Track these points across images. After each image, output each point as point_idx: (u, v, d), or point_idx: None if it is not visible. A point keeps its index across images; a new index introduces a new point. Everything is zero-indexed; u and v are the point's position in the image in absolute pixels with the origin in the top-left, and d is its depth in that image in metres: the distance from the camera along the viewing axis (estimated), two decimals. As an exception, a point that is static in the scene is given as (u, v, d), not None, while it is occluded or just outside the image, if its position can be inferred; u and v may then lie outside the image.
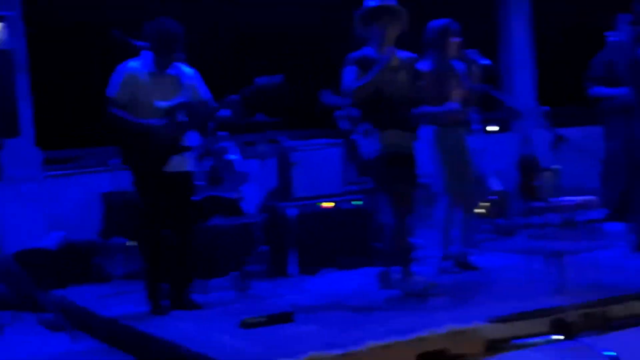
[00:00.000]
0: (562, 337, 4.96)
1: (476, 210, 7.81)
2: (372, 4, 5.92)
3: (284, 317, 5.29)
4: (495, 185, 8.15)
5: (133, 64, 5.75)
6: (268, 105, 6.03)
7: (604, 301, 5.33)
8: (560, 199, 5.45)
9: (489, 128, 8.79)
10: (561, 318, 4.98)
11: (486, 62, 6.50)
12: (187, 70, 5.86)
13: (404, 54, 6.02)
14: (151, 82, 5.72)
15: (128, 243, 6.83)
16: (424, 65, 6.39)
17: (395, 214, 5.90)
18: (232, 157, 6.78)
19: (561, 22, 9.79)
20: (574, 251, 6.04)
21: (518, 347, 4.96)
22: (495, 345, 4.94)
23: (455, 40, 6.45)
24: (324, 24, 8.65)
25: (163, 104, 5.68)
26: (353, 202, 7.05)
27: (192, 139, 5.90)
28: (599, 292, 5.50)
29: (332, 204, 6.97)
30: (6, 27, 6.23)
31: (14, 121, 5.88)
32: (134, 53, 5.80)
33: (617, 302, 5.34)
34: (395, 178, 5.90)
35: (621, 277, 5.91)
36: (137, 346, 5.34)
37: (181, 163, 5.78)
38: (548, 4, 9.71)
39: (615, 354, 4.61)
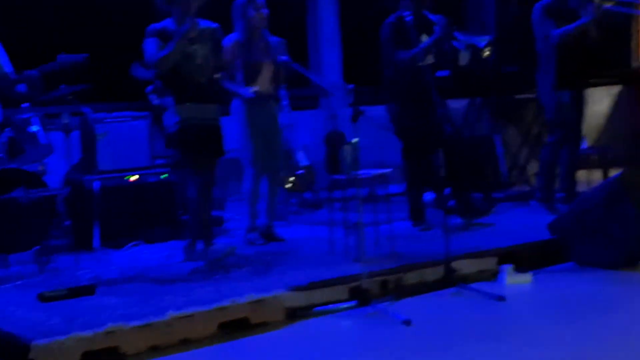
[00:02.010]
0: (359, 304, 5.08)
1: (284, 184, 7.97)
2: None
3: (85, 290, 5.18)
4: (303, 160, 8.25)
5: None
6: (69, 81, 5.86)
7: (398, 269, 5.52)
8: (361, 172, 5.55)
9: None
10: (359, 285, 5.09)
11: (285, 58, 6.55)
12: None
13: (206, 24, 5.98)
14: None
15: None
16: (232, 37, 6.40)
17: (198, 186, 5.88)
18: (35, 129, 6.52)
19: (367, 3, 9.99)
20: (372, 223, 6.14)
21: (318, 314, 5.07)
22: (295, 313, 5.03)
23: (262, 12, 6.47)
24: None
25: None
26: (160, 176, 6.97)
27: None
28: (394, 261, 5.69)
29: (137, 177, 6.86)
30: None
31: None
32: None
33: (410, 269, 5.55)
34: (196, 149, 5.87)
35: (415, 247, 6.13)
36: None
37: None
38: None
39: (408, 318, 4.79)
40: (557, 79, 7.14)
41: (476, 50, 7.42)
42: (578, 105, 7.29)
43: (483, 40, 7.12)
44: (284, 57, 6.53)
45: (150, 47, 5.82)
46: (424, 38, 6.67)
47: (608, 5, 6.97)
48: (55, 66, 5.51)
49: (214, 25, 6.04)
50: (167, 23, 5.89)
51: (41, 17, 8.46)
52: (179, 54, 5.75)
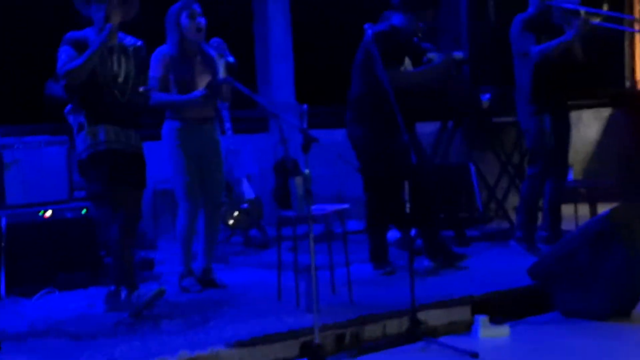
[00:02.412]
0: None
1: (225, 220, 7.93)
2: None
3: (-12, 347, 5.12)
4: (248, 192, 8.23)
5: None
6: None
7: (356, 321, 5.52)
8: (316, 207, 5.55)
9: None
10: (310, 340, 5.06)
11: (230, 59, 6.54)
12: None
13: (130, 40, 6.00)
14: None
15: None
16: (163, 50, 6.38)
17: (120, 223, 5.81)
18: None
19: (320, 12, 10.05)
20: (328, 266, 6.16)
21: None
22: (234, 373, 5.04)
23: (199, 21, 6.45)
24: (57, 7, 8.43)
25: None
26: (81, 211, 6.92)
27: None
28: (351, 311, 5.68)
29: (51, 213, 6.80)
30: None
31: None
32: None
33: (370, 321, 5.54)
34: (115, 180, 5.81)
35: (377, 294, 6.14)
36: None
37: None
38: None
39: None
40: (538, 102, 7.22)
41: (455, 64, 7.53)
42: (562, 132, 7.37)
43: (457, 56, 7.18)
44: (231, 58, 6.52)
45: (63, 55, 5.80)
46: (407, 62, 6.72)
47: (596, 20, 7.08)
48: None
49: (139, 42, 6.05)
50: (88, 33, 5.86)
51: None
52: (92, 66, 5.71)
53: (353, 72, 6.90)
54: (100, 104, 5.81)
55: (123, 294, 5.84)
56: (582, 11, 7.07)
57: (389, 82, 5.95)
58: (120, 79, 5.86)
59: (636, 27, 10.74)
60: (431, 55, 6.81)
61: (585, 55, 7.22)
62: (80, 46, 5.78)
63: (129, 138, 5.89)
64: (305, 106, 8.87)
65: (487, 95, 8.35)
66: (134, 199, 5.95)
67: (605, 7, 7.14)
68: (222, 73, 6.50)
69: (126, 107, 5.88)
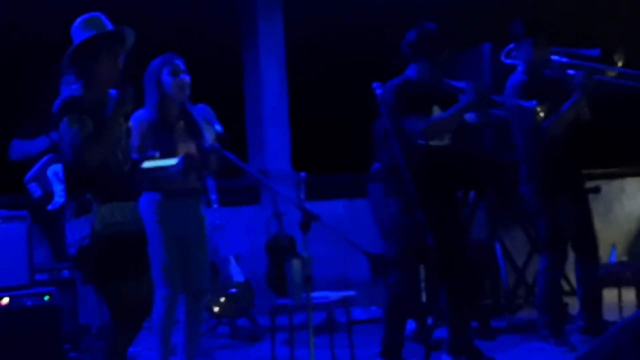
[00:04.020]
0: None
1: (209, 308, 7.91)
2: (84, 35, 5.70)
3: None
4: (237, 274, 8.26)
5: None
6: None
7: None
8: (316, 294, 5.53)
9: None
10: None
11: (219, 128, 6.53)
12: None
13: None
14: None
15: None
16: (141, 114, 6.37)
17: (118, 317, 5.65)
18: None
19: (320, 69, 10.16)
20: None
21: None
22: None
23: (182, 79, 6.47)
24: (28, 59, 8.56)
25: None
26: (43, 297, 6.88)
27: None
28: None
29: (8, 300, 6.75)
30: None
31: None
32: None
33: None
34: (119, 268, 5.69)
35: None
36: None
37: None
38: (308, 45, 10.06)
39: None
40: (547, 183, 7.24)
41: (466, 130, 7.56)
42: (581, 211, 7.38)
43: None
44: (219, 127, 6.53)
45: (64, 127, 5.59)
46: (437, 110, 6.72)
47: (608, 76, 7.06)
48: None
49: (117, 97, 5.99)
50: (73, 91, 5.69)
51: None
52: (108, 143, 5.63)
53: (375, 139, 6.91)
54: (109, 180, 5.68)
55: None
56: (588, 68, 7.09)
57: (418, 139, 6.03)
58: (123, 145, 5.75)
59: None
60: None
61: (598, 116, 7.20)
62: (73, 108, 5.60)
63: (131, 214, 5.78)
64: (302, 174, 8.88)
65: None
66: (140, 286, 5.73)
67: (619, 60, 7.09)
68: (209, 139, 6.50)
69: (127, 179, 5.81)
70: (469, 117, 6.86)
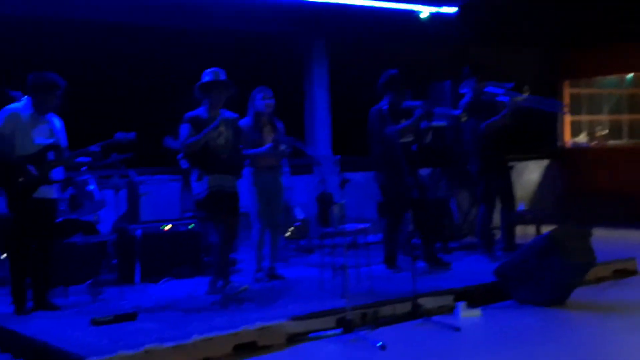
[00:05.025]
0: (344, 331, 5.06)
1: (284, 233, 7.95)
2: (207, 79, 5.88)
3: (129, 316, 5.15)
4: (300, 214, 8.22)
5: (16, 105, 5.52)
6: (119, 151, 5.92)
7: (375, 304, 5.50)
8: (346, 225, 5.56)
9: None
10: (343, 316, 5.08)
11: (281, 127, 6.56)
12: (56, 119, 5.67)
13: (228, 114, 6.00)
14: (31, 122, 5.48)
15: (0, 255, 6.44)
16: (245, 121, 6.43)
17: (220, 237, 5.82)
18: (91, 187, 6.55)
19: (352, 94, 10.10)
20: (355, 265, 6.13)
21: (312, 338, 5.04)
22: (294, 338, 5.01)
23: (269, 102, 6.53)
24: (174, 85, 8.54)
25: (42, 141, 5.48)
26: (188, 226, 6.94)
27: (57, 172, 5.66)
28: (371, 297, 5.67)
29: (170, 227, 6.83)
30: None
31: None
32: (14, 99, 5.58)
33: (384, 304, 5.52)
34: (220, 211, 5.81)
35: (389, 286, 6.09)
36: (4, 339, 5.03)
37: (47, 192, 5.54)
38: (343, 79, 10.00)
39: (383, 343, 4.78)
40: (484, 161, 7.11)
41: (437, 130, 7.50)
42: (505, 178, 7.25)
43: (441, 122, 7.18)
44: (290, 138, 6.56)
45: (184, 131, 5.81)
46: (402, 121, 6.70)
47: (520, 101, 6.98)
48: (112, 142, 5.61)
49: (235, 115, 6.06)
50: (200, 111, 5.88)
51: (98, 99, 8.51)
52: (203, 142, 5.75)
53: (370, 140, 6.87)
54: (210, 162, 5.78)
55: (219, 284, 5.84)
56: (512, 95, 7.00)
57: (394, 139, 6.02)
58: (222, 142, 5.82)
59: (565, 110, 10.74)
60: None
61: (514, 123, 7.03)
62: (195, 122, 5.78)
63: (229, 182, 5.86)
64: (338, 156, 8.88)
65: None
66: (231, 222, 5.87)
67: (526, 91, 7.00)
68: (282, 136, 6.53)
69: (227, 160, 5.87)
70: (439, 122, 6.83)
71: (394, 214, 6.83)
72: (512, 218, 7.33)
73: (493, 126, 7.03)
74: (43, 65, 5.71)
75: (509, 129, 7.12)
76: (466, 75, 7.23)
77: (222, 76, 5.89)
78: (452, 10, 9.74)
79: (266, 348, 4.82)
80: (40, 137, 5.49)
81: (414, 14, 9.62)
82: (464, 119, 6.88)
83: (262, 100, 6.50)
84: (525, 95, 6.96)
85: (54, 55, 7.51)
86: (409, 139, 6.63)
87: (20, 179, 5.37)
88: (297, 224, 8.12)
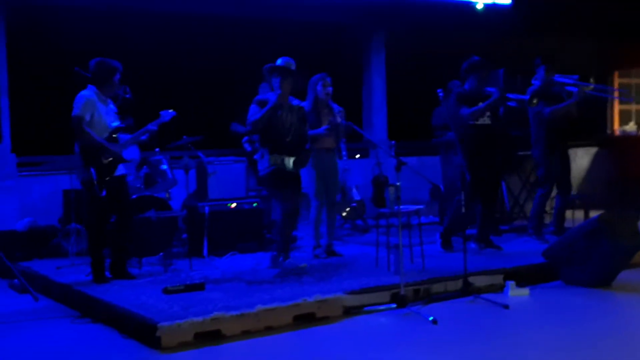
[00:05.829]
0: (398, 306, 5.07)
1: (341, 213, 7.97)
2: (277, 63, 5.95)
3: (197, 286, 5.25)
4: (356, 195, 8.21)
5: (85, 92, 5.58)
6: (190, 133, 5.98)
7: (427, 281, 5.49)
8: (401, 206, 5.54)
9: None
10: (397, 292, 5.08)
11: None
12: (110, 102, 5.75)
13: (295, 102, 6.04)
14: (103, 107, 5.61)
15: (81, 228, 6.65)
16: (304, 105, 6.43)
17: (282, 214, 5.88)
18: (164, 167, 6.68)
19: (407, 82, 10.03)
20: (408, 245, 6.11)
21: (367, 312, 5.05)
22: (350, 310, 5.04)
23: (328, 89, 6.52)
24: (240, 73, 8.61)
25: (114, 124, 5.61)
26: (252, 204, 7.01)
27: (133, 152, 5.79)
28: (424, 274, 5.66)
29: (235, 205, 6.90)
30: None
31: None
32: (83, 84, 5.66)
33: (436, 282, 5.51)
34: (282, 187, 5.89)
35: (440, 264, 6.06)
36: (85, 305, 5.22)
37: (122, 169, 5.69)
38: (399, 68, 9.95)
39: (435, 318, 4.77)
40: (547, 146, 7.02)
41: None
42: (564, 164, 7.14)
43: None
44: (342, 121, 6.55)
45: (252, 111, 5.90)
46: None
47: (589, 90, 6.90)
48: (161, 120, 5.71)
49: (301, 103, 6.10)
50: (270, 95, 5.94)
51: (172, 87, 8.65)
52: (267, 119, 5.79)
53: (447, 121, 6.71)
54: (275, 142, 5.85)
55: (281, 258, 5.91)
56: (580, 85, 6.90)
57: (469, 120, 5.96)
58: (287, 125, 5.88)
59: (615, 94, 10.44)
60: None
61: (579, 113, 7.00)
62: (262, 104, 5.86)
63: (290, 163, 5.89)
64: (393, 142, 8.88)
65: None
66: (293, 199, 5.92)
67: (592, 81, 6.88)
68: (341, 119, 6.52)
69: (290, 143, 5.91)
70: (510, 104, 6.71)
71: (485, 194, 6.65)
72: (567, 202, 7.20)
73: (557, 113, 6.93)
74: (119, 57, 5.77)
75: (572, 117, 7.00)
76: (537, 65, 7.11)
77: (293, 67, 5.94)
78: (507, 1, 9.65)
79: (324, 319, 4.87)
80: (112, 120, 5.62)
81: (469, 5, 9.49)
82: (534, 102, 6.76)
83: (322, 87, 6.51)
84: (592, 85, 6.81)
85: (126, 46, 7.63)
86: (485, 121, 6.54)
87: (105, 160, 5.51)
88: (354, 204, 8.11)
